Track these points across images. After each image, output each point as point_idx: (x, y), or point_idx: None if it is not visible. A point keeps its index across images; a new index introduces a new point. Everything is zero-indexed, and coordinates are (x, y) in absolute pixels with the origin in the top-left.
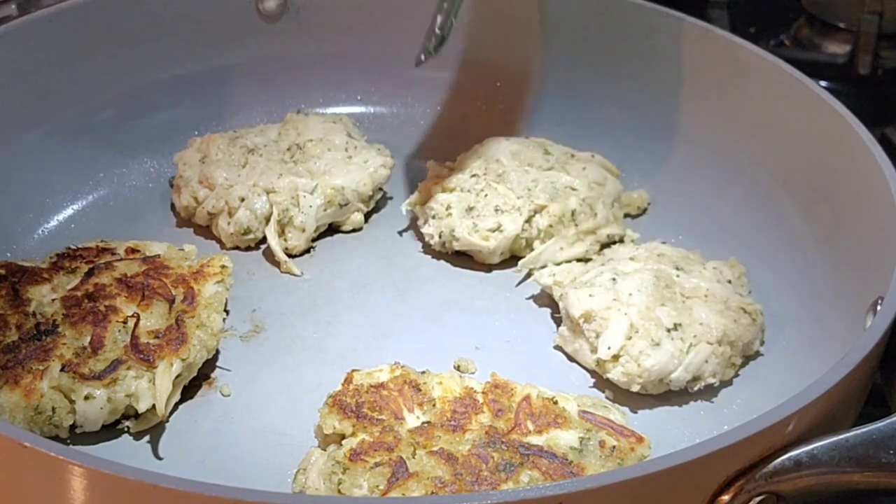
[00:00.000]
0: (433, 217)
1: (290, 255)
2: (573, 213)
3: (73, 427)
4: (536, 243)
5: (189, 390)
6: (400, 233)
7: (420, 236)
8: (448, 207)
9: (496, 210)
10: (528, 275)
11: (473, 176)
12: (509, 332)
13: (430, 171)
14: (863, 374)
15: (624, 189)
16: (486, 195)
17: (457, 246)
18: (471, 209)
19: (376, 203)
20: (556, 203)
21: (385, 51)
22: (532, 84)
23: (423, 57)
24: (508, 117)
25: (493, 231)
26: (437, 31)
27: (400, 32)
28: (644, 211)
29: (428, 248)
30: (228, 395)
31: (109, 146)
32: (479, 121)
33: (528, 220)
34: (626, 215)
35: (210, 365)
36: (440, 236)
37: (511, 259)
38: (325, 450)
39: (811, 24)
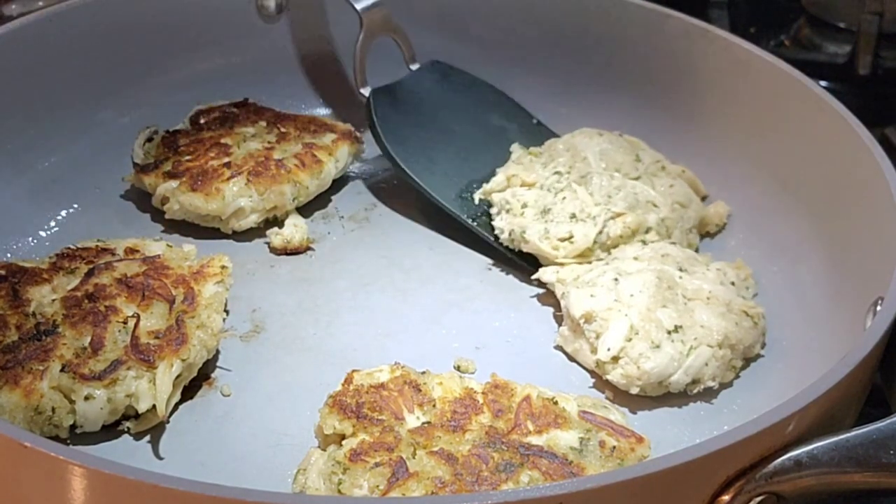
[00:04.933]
0: (507, 211)
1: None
2: (647, 230)
3: (73, 427)
4: (599, 251)
5: (189, 390)
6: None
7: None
8: (524, 206)
9: (571, 217)
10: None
11: (556, 173)
12: (509, 332)
13: (515, 154)
14: (863, 374)
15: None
16: (564, 198)
17: (525, 248)
18: (546, 211)
19: (374, 204)
20: (633, 214)
21: (384, 50)
22: (531, 85)
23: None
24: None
25: (564, 240)
26: None
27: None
28: (723, 227)
29: (428, 246)
30: (228, 395)
31: (109, 146)
32: None
33: (602, 230)
34: (705, 234)
35: (210, 365)
36: (510, 234)
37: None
38: (325, 450)
39: (811, 24)
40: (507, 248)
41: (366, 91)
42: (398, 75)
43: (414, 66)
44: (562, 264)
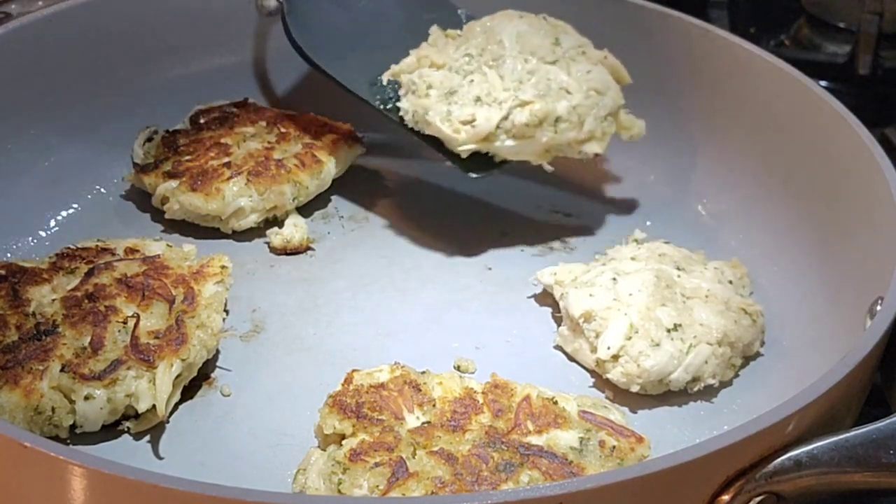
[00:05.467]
0: (412, 92)
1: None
2: (557, 119)
3: (73, 427)
4: (504, 137)
5: (189, 390)
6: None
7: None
8: (429, 87)
9: (476, 100)
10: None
11: (467, 55)
12: (509, 332)
13: (432, 37)
14: (863, 374)
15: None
16: (472, 81)
17: (427, 130)
18: (452, 93)
19: (374, 204)
20: (542, 101)
21: None
22: None
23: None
24: None
25: (466, 124)
26: None
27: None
28: (632, 139)
29: (423, 244)
30: (228, 395)
31: (109, 146)
32: None
33: (507, 116)
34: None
35: (210, 365)
36: (413, 115)
37: (483, 158)
38: (325, 450)
39: (811, 24)
40: (412, 130)
41: None
42: None
43: None
44: (463, 153)
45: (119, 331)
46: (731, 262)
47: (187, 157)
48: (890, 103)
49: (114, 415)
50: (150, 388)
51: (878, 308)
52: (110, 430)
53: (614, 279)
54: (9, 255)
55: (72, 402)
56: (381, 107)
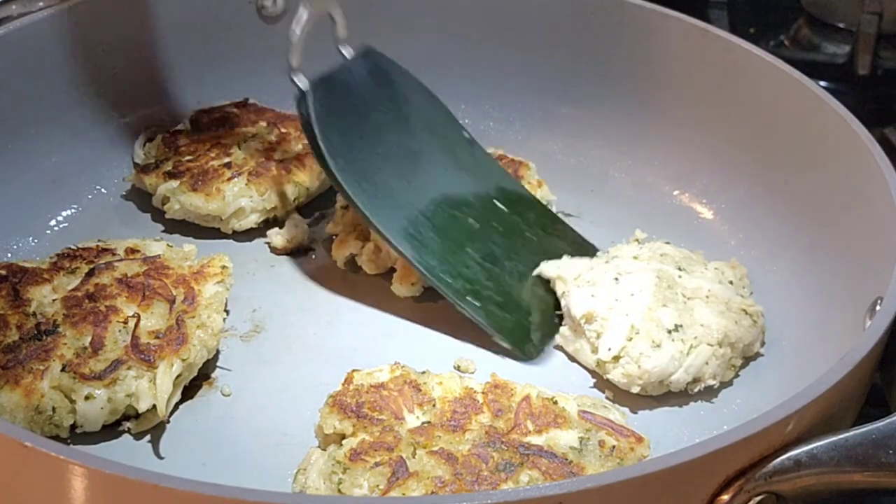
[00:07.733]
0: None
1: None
2: None
3: (73, 427)
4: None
5: (189, 390)
6: None
7: None
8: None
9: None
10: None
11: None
12: None
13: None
14: (863, 374)
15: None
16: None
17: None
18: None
19: None
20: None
21: (385, 52)
22: (530, 84)
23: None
24: (507, 119)
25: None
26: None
27: (399, 32)
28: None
29: None
30: (228, 395)
31: (109, 146)
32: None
33: None
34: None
35: (210, 365)
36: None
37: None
38: (325, 450)
39: (811, 25)
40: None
41: (301, 82)
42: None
43: (345, 50)
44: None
45: (119, 331)
46: (731, 263)
47: (188, 158)
48: (889, 103)
49: (114, 415)
50: (151, 388)
51: (878, 308)
52: (111, 430)
53: (616, 279)
54: (9, 255)
55: (72, 401)
56: (418, 264)
